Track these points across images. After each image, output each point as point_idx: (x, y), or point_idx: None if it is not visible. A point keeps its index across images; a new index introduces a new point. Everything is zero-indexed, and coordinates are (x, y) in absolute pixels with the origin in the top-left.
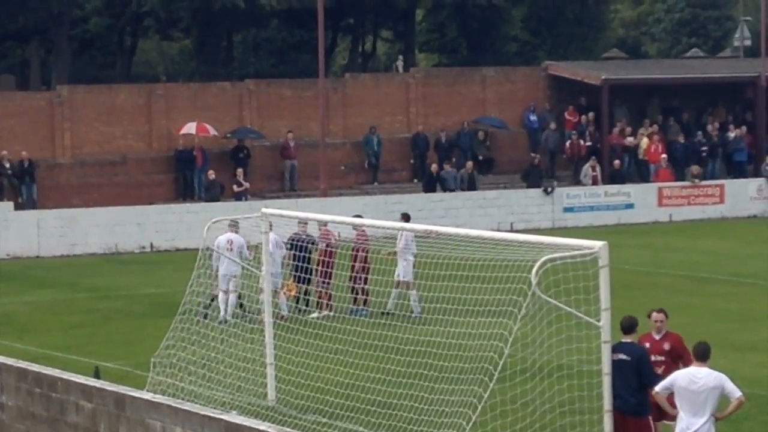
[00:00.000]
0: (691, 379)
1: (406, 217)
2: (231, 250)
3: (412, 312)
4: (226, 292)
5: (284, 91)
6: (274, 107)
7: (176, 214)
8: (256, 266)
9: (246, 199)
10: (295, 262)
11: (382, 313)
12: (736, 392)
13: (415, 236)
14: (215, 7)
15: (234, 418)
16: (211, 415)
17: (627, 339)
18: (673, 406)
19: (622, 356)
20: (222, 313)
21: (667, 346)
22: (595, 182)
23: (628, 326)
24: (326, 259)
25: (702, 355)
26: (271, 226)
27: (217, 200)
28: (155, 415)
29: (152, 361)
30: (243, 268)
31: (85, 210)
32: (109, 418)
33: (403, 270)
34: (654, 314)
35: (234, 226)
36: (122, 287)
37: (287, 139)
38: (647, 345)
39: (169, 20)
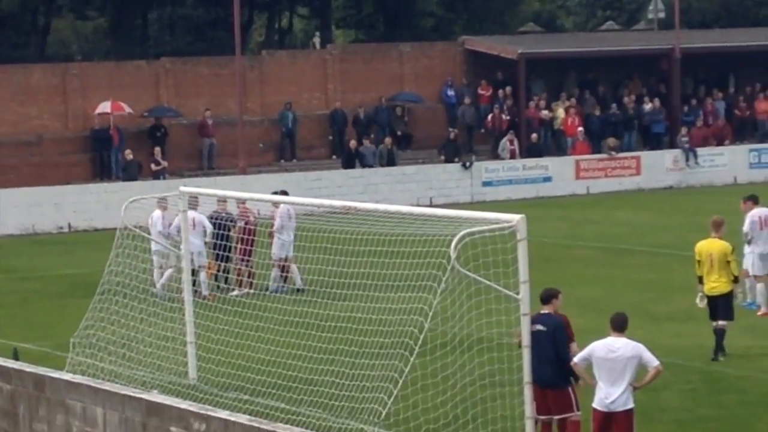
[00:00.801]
0: (609, 349)
1: (284, 194)
2: (153, 226)
3: (294, 285)
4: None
5: (201, 68)
6: (191, 85)
7: (94, 194)
8: (174, 244)
9: (164, 178)
10: (215, 240)
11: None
12: (653, 361)
13: (334, 212)
14: None
15: (155, 397)
16: (132, 394)
17: (545, 310)
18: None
19: (540, 327)
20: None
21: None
22: (513, 156)
23: (546, 297)
24: (246, 236)
25: (619, 325)
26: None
27: (135, 179)
28: (75, 395)
29: (72, 341)
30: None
31: (2, 191)
32: (29, 400)
33: (278, 248)
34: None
35: (162, 203)
36: (40, 268)
37: (205, 117)
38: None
39: None
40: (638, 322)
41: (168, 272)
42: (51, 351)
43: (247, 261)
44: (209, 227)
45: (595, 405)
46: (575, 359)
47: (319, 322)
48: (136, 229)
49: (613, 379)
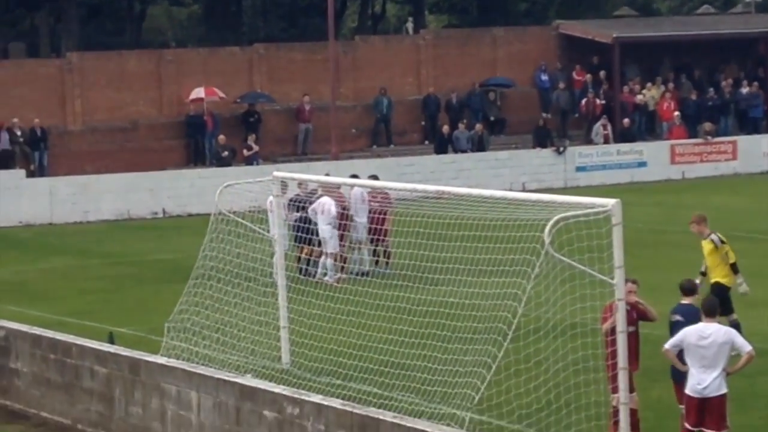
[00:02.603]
0: (701, 335)
1: (374, 178)
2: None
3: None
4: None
5: (294, 54)
6: (284, 71)
7: (188, 179)
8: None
9: (257, 164)
10: (308, 225)
11: (361, 275)
12: (746, 346)
13: (427, 197)
14: None
15: (248, 381)
16: (226, 378)
17: (685, 300)
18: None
19: (678, 317)
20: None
21: (635, 314)
22: (606, 141)
23: (689, 288)
24: (341, 222)
25: (711, 311)
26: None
27: (229, 165)
28: (170, 379)
29: (166, 326)
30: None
31: (97, 177)
32: (124, 383)
33: (357, 231)
34: (629, 284)
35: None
36: (135, 253)
37: (303, 103)
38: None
39: None
40: (735, 307)
41: (329, 261)
42: (146, 335)
43: (341, 246)
44: (333, 213)
45: (687, 391)
46: (666, 345)
47: (411, 307)
48: (230, 214)
49: (706, 365)
